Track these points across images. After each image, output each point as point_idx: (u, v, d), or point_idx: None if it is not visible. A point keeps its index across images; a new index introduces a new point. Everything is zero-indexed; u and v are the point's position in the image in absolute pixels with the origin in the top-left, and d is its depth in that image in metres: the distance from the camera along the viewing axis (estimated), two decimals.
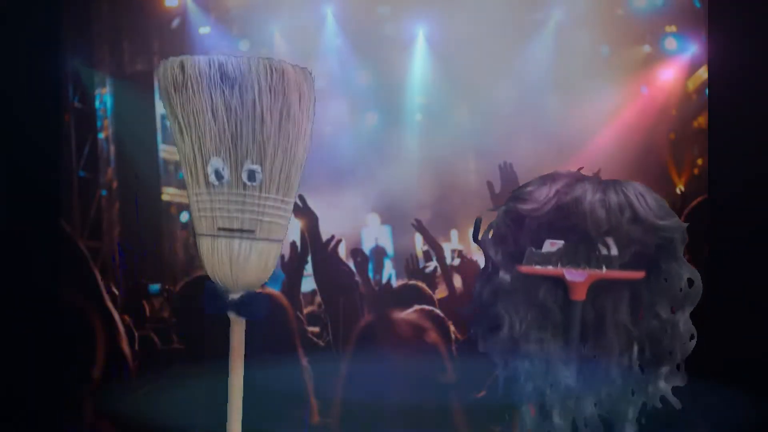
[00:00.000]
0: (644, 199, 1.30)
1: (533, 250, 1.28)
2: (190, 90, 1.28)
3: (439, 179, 13.25)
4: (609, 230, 1.27)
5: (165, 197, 13.46)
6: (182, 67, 1.30)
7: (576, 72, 13.72)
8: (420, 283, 3.59)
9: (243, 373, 1.36)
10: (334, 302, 3.10)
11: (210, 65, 1.29)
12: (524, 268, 1.27)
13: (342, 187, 13.83)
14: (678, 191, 11.54)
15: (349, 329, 2.76)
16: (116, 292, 4.26)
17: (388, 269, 12.42)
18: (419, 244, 10.76)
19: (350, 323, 2.85)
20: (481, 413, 2.18)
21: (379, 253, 13.35)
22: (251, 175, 1.29)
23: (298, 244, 3.84)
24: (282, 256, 4.11)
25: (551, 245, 1.27)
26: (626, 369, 1.29)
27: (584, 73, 13.71)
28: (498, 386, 1.34)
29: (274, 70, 1.30)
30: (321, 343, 3.67)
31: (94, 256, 6.86)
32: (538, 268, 1.27)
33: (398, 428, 2.20)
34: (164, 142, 13.38)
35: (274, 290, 3.05)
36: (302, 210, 3.32)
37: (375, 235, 14.31)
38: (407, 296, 3.20)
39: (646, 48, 14.66)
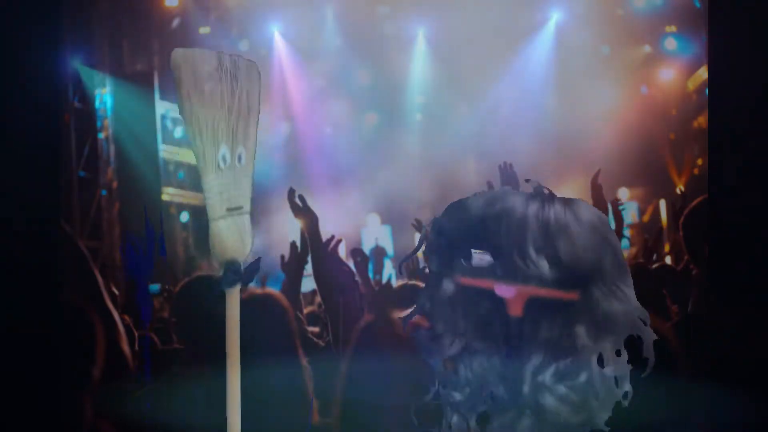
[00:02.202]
0: (577, 219, 1.26)
1: (463, 262, 1.26)
2: (213, 81, 1.47)
3: (439, 179, 13.25)
4: (537, 248, 1.23)
5: (165, 197, 13.47)
6: (204, 60, 1.48)
7: (576, 72, 13.73)
8: (420, 283, 3.59)
9: (239, 344, 1.48)
10: (334, 302, 3.10)
11: (218, 58, 1.47)
12: (462, 279, 1.27)
13: (342, 187, 13.84)
14: (678, 191, 11.54)
15: (349, 329, 2.76)
16: (116, 292, 4.26)
17: (388, 269, 12.42)
18: None
19: (350, 323, 2.85)
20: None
21: (379, 253, 13.36)
22: (239, 156, 1.50)
23: (298, 244, 3.84)
24: (282, 256, 4.12)
25: (479, 258, 1.26)
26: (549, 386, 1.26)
27: (584, 73, 13.71)
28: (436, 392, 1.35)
29: (251, 65, 1.52)
30: (321, 343, 3.67)
31: (94, 256, 6.87)
32: (472, 281, 1.26)
33: (398, 428, 2.20)
34: (164, 142, 13.40)
35: (274, 290, 3.05)
36: (302, 210, 3.32)
37: (375, 235, 14.31)
38: (407, 296, 3.20)
39: (646, 48, 14.67)
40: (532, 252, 1.23)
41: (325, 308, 3.26)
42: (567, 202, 1.28)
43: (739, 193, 2.18)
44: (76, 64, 11.51)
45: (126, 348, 2.40)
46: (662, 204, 13.45)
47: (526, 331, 1.25)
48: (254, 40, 14.59)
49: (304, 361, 2.64)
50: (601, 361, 1.26)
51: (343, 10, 14.24)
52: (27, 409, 2.00)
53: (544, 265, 1.23)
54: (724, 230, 2.22)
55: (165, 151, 13.42)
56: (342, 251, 3.86)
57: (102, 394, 2.13)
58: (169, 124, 13.58)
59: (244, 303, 1.50)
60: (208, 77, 1.47)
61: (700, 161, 13.45)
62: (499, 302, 1.25)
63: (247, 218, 1.51)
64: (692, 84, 13.98)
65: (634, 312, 1.28)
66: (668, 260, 6.54)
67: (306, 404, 2.53)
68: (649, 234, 7.05)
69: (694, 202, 3.22)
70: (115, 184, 12.52)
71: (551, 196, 1.30)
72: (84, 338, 2.11)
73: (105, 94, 12.39)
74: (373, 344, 2.46)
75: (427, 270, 1.37)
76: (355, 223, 13.61)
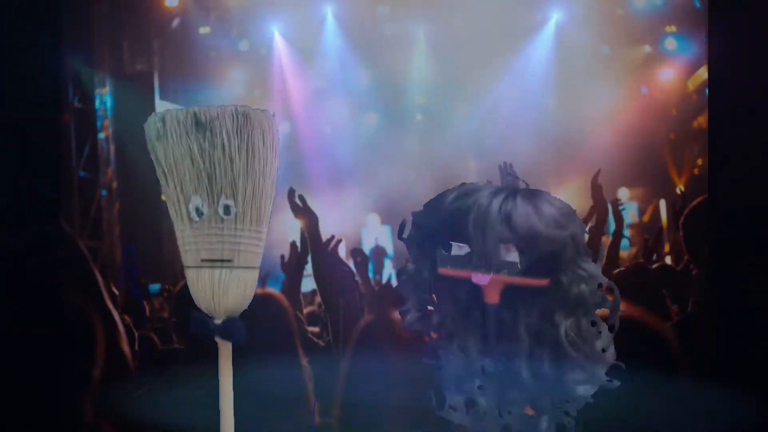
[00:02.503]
0: (537, 211, 1.34)
1: (443, 253, 1.36)
2: (171, 138, 1.43)
3: (439, 179, 13.23)
4: (500, 238, 1.32)
5: (165, 197, 13.45)
6: (163, 120, 1.44)
7: (576, 72, 13.72)
8: None
9: (232, 393, 1.45)
10: (334, 302, 3.10)
11: (186, 115, 1.42)
12: (442, 270, 1.36)
13: (342, 187, 13.84)
14: (678, 191, 11.54)
15: (349, 329, 2.76)
16: (116, 292, 4.26)
17: (388, 269, 12.42)
18: None
19: (350, 323, 2.84)
20: None
21: (379, 253, 13.36)
22: (226, 209, 1.43)
23: (298, 244, 3.84)
24: (282, 257, 4.12)
25: (459, 248, 1.34)
26: (538, 369, 1.35)
27: (584, 73, 13.71)
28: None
29: (238, 114, 1.43)
30: (321, 343, 3.67)
31: (94, 256, 6.86)
32: (451, 270, 1.35)
33: (398, 428, 2.20)
34: None
35: (274, 290, 3.05)
36: (302, 210, 3.32)
37: (375, 235, 14.31)
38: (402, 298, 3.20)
39: (646, 48, 14.67)
40: (494, 242, 1.32)
41: (325, 308, 3.26)
42: (529, 195, 1.38)
43: (739, 193, 2.18)
44: (76, 64, 11.51)
45: (126, 348, 2.40)
46: (662, 204, 13.45)
47: (505, 317, 1.34)
48: (254, 40, 14.58)
49: (304, 361, 2.64)
50: (581, 337, 1.35)
51: (343, 10, 14.24)
52: (27, 409, 2.00)
53: (508, 255, 1.32)
54: (724, 230, 2.22)
55: None
56: (342, 251, 3.85)
57: (102, 394, 2.13)
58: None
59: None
60: (154, 138, 1.44)
61: (700, 161, 13.44)
62: (477, 290, 1.34)
63: (235, 273, 1.44)
64: (692, 84, 13.97)
65: (609, 297, 1.36)
66: (668, 260, 6.53)
67: (306, 404, 2.53)
68: (649, 234, 7.04)
69: (694, 202, 3.22)
70: (115, 184, 12.51)
71: (516, 189, 1.40)
72: (84, 338, 2.11)
73: (105, 94, 12.38)
74: (373, 344, 2.46)
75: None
76: (355, 223, 13.61)
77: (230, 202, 1.43)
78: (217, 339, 1.46)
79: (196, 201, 1.43)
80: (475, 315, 1.36)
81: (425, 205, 1.43)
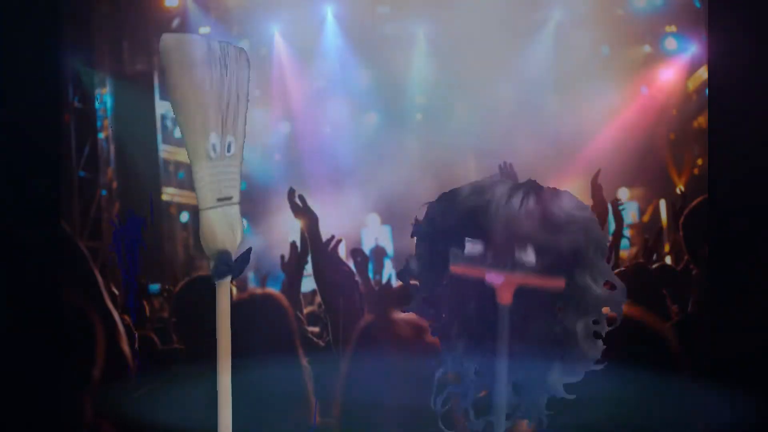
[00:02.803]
0: (560, 209, 1.31)
1: (455, 250, 1.30)
2: (201, 68, 1.43)
3: (439, 179, 13.23)
4: (523, 236, 1.28)
5: (165, 197, 13.46)
6: (193, 45, 1.43)
7: (576, 72, 13.72)
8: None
9: (230, 336, 1.46)
10: (334, 302, 3.10)
11: (215, 49, 1.44)
12: (453, 268, 1.31)
13: (342, 187, 13.83)
14: (678, 191, 11.54)
15: (349, 329, 2.76)
16: (116, 292, 4.25)
17: (388, 269, 12.41)
18: None
19: (350, 323, 2.84)
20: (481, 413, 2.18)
21: (379, 253, 13.35)
22: (229, 146, 1.46)
23: (298, 244, 3.84)
24: (282, 257, 4.12)
25: (471, 246, 1.29)
26: (547, 371, 1.33)
27: (584, 73, 13.71)
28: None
29: (241, 52, 1.49)
30: (321, 343, 3.67)
31: (94, 256, 6.85)
32: (464, 268, 1.30)
33: (398, 428, 2.20)
34: (164, 142, 13.39)
35: (274, 290, 3.05)
36: (302, 210, 3.32)
37: (375, 235, 14.31)
38: (407, 296, 3.20)
39: (646, 48, 14.67)
40: (515, 238, 1.28)
41: (325, 308, 3.25)
42: (551, 193, 1.33)
43: (739, 193, 2.18)
44: (76, 64, 11.50)
45: (126, 348, 2.40)
46: (662, 204, 13.45)
47: (516, 319, 1.29)
48: (254, 40, 14.57)
49: (304, 361, 2.64)
50: (592, 336, 1.32)
51: (343, 10, 14.24)
52: (27, 409, 2.00)
53: (529, 253, 1.27)
54: (724, 230, 2.21)
55: (165, 151, 13.42)
56: (342, 251, 3.85)
57: (102, 394, 2.12)
58: (169, 124, 13.58)
59: (244, 303, 1.51)
60: (197, 63, 1.42)
61: (700, 161, 13.44)
62: (490, 291, 1.29)
63: (236, 209, 1.49)
64: (692, 84, 13.97)
65: (618, 294, 1.34)
66: (668, 260, 6.53)
67: (306, 404, 2.53)
68: (649, 234, 7.04)
69: (694, 202, 3.22)
70: (115, 184, 12.51)
71: (536, 187, 1.34)
72: (84, 338, 2.11)
73: (105, 94, 12.38)
74: (373, 344, 2.45)
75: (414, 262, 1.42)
76: (355, 223, 13.60)
77: (232, 139, 1.46)
78: (225, 280, 1.47)
79: (213, 138, 1.44)
80: (486, 316, 1.31)
81: (438, 200, 1.38)
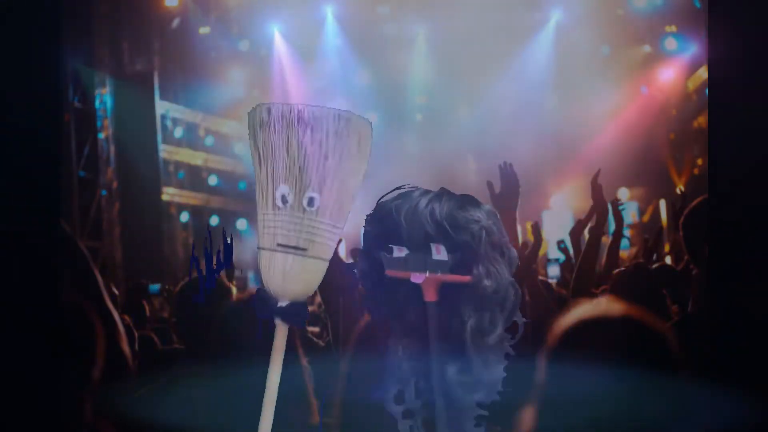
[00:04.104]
0: (457, 203, 1.44)
1: (385, 255, 1.43)
2: (272, 128, 1.52)
3: (439, 179, 13.19)
4: (432, 237, 1.40)
5: (165, 197, 13.45)
6: (269, 111, 1.53)
7: (576, 72, 13.72)
8: None
9: (280, 372, 1.58)
10: (334, 302, 3.09)
11: (291, 111, 1.52)
12: (388, 271, 1.44)
13: None
14: (678, 191, 11.54)
15: (349, 329, 2.75)
16: (116, 292, 4.26)
17: None
18: None
19: (350, 323, 2.84)
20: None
21: None
22: (311, 201, 1.52)
23: None
24: None
25: (397, 250, 1.42)
26: (466, 367, 1.42)
27: (584, 73, 13.71)
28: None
29: (340, 117, 1.53)
30: (321, 343, 3.68)
31: (94, 256, 6.86)
32: (395, 271, 1.43)
33: (398, 428, 2.19)
34: (164, 142, 13.39)
35: None
36: None
37: None
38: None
39: (646, 48, 14.67)
40: (420, 234, 1.41)
41: (325, 308, 3.25)
42: (456, 197, 1.47)
43: (739, 193, 2.18)
44: (76, 64, 11.51)
45: (126, 348, 2.40)
46: (662, 204, 13.45)
47: (443, 316, 1.41)
48: (254, 40, 14.58)
49: (304, 361, 2.64)
50: (482, 332, 1.42)
51: (343, 10, 14.24)
52: (27, 409, 2.00)
53: (442, 252, 1.40)
54: (724, 230, 2.21)
55: (165, 151, 13.41)
56: (342, 251, 3.85)
57: (102, 394, 2.13)
58: (169, 124, 13.59)
59: (244, 303, 1.51)
60: (257, 125, 1.53)
61: (700, 161, 13.44)
62: (417, 289, 1.41)
63: (310, 262, 1.53)
64: (692, 84, 13.97)
65: (508, 288, 1.44)
66: (668, 260, 6.53)
67: (306, 404, 2.53)
68: (649, 234, 7.04)
69: (694, 202, 3.22)
70: (115, 184, 12.51)
71: (446, 193, 1.48)
72: (84, 338, 2.11)
73: (105, 94, 12.38)
74: (373, 344, 2.45)
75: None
76: (355, 223, 13.59)
77: (315, 195, 1.52)
78: (277, 321, 1.54)
79: (283, 189, 1.51)
80: (415, 313, 1.42)
81: (373, 211, 1.55)
